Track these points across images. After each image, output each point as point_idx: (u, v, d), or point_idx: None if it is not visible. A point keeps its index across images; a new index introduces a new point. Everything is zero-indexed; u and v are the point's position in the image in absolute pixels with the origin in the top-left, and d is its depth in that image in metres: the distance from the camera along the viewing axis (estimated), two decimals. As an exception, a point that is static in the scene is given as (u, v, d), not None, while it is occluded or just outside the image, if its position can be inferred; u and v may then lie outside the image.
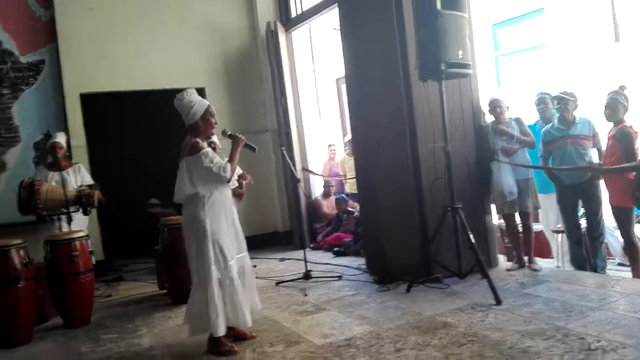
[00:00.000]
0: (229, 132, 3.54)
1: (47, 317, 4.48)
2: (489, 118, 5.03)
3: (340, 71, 8.17)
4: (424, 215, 4.61)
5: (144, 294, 5.28)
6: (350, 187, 7.57)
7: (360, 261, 5.51)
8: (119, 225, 7.21)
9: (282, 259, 6.21)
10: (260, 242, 6.79)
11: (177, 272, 4.67)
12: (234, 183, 3.53)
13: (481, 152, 4.88)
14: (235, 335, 3.52)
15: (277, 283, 5.05)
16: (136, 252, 7.24)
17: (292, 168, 5.73)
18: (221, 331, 3.25)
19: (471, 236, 4.08)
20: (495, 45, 8.15)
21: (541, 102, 5.03)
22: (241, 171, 3.67)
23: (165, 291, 5.05)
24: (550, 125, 4.84)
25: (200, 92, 7.14)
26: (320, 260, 5.82)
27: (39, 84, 6.13)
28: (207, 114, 3.40)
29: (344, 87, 8.27)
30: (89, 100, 6.45)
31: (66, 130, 6.01)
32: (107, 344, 3.80)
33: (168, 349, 3.55)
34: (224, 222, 3.37)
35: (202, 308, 3.29)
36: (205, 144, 3.40)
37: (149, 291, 5.34)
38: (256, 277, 5.36)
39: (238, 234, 3.51)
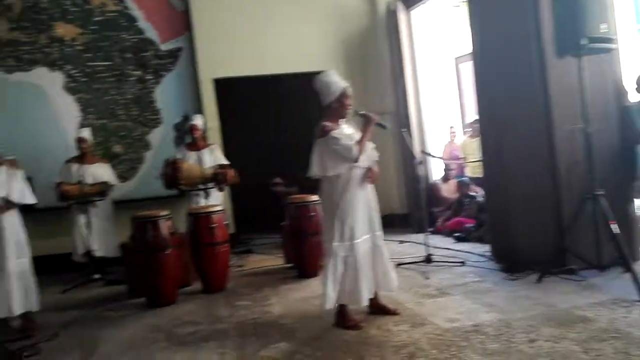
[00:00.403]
0: (362, 112, 3.60)
1: (189, 282, 4.93)
2: (634, 97, 4.57)
3: (460, 50, 7.91)
4: (559, 202, 4.33)
5: (272, 266, 5.61)
6: (472, 170, 7.33)
7: (483, 248, 5.34)
8: (247, 202, 7.69)
9: (401, 242, 6.22)
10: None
11: (303, 247, 4.91)
12: (368, 161, 3.54)
13: (626, 134, 4.46)
14: (377, 307, 3.62)
15: (398, 264, 5.08)
16: (262, 227, 7.68)
17: (412, 150, 5.70)
18: (329, 305, 3.40)
19: (614, 226, 3.78)
20: (638, 17, 7.35)
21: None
22: (376, 153, 3.66)
23: (291, 265, 5.32)
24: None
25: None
26: (441, 244, 5.74)
27: (177, 70, 6.67)
28: (342, 96, 3.49)
29: (463, 67, 8.03)
30: (221, 85, 6.91)
31: (201, 113, 6.49)
32: (241, 310, 4.11)
33: (297, 319, 3.74)
34: (357, 201, 3.46)
35: (330, 282, 3.45)
36: (336, 126, 3.49)
37: (275, 264, 5.65)
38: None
39: (372, 213, 3.58)
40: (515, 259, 4.55)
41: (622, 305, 3.41)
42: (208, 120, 6.48)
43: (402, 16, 7.04)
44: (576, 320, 3.23)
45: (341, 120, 3.57)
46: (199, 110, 6.60)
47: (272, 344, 3.29)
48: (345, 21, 7.30)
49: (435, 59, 8.30)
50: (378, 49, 7.35)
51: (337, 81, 3.54)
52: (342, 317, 3.49)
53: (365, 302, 3.49)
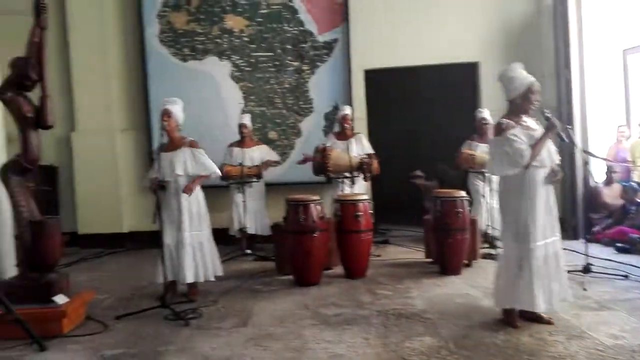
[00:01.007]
0: (548, 114, 3.45)
1: (331, 265, 5.13)
2: None
3: (630, 41, 7.07)
4: None
5: (411, 259, 5.60)
6: (640, 175, 6.58)
7: (651, 261, 4.82)
8: (386, 193, 7.74)
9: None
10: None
11: (447, 243, 4.83)
12: (550, 162, 3.38)
13: None
14: (532, 314, 3.46)
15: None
16: (399, 219, 7.70)
17: (575, 149, 5.27)
18: (500, 305, 3.43)
19: None
20: None
21: None
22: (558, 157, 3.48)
23: (431, 260, 5.27)
24: None
25: (474, 66, 7.15)
26: (600, 254, 5.24)
27: (331, 61, 6.89)
28: (528, 91, 3.38)
29: (631, 59, 7.17)
30: (371, 76, 7.01)
31: (350, 103, 6.64)
32: (383, 299, 4.18)
33: (441, 315, 3.71)
34: (536, 203, 3.33)
35: (501, 282, 3.43)
36: (516, 123, 3.35)
37: (415, 257, 5.64)
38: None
39: (552, 218, 3.42)
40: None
41: None
42: (356, 110, 6.61)
43: (572, 4, 6.49)
44: None
45: (525, 116, 3.43)
46: (349, 100, 6.76)
47: (416, 336, 3.31)
48: (505, 8, 6.94)
49: (602, 51, 7.55)
50: (541, 38, 6.87)
51: (522, 76, 3.43)
52: (508, 315, 3.45)
53: (541, 309, 3.33)
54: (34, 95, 3.78)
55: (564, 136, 3.52)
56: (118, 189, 6.89)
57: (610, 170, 6.61)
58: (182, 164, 4.29)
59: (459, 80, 7.68)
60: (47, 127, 3.73)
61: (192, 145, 4.40)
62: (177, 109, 4.39)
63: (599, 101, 7.14)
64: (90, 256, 6.32)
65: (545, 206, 3.36)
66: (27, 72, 3.63)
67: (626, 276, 4.50)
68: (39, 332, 3.33)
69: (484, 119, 6.10)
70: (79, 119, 6.96)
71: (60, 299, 3.62)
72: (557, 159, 3.44)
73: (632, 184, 6.33)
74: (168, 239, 4.17)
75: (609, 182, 6.58)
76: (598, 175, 6.84)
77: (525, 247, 3.30)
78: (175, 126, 4.38)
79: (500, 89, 7.03)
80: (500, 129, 3.37)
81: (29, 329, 3.29)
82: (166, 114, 4.33)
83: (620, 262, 4.98)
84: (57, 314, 3.52)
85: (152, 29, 6.90)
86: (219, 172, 4.53)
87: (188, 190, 4.26)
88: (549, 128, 3.36)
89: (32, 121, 3.67)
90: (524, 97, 3.37)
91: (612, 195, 6.47)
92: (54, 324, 3.50)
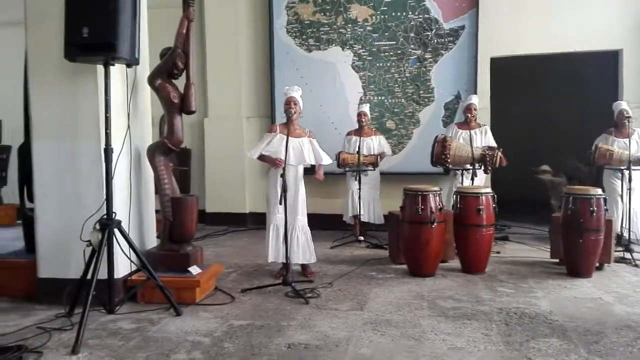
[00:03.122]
0: None
1: (447, 258, 5.03)
2: None
3: None
4: None
5: (532, 258, 5.32)
6: None
7: None
8: (506, 187, 7.40)
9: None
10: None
11: (578, 244, 4.51)
12: None
13: None
14: None
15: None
16: (519, 215, 7.32)
17: None
18: None
19: None
20: None
21: None
22: None
23: (557, 260, 4.96)
24: None
25: (615, 55, 6.54)
26: None
27: (456, 49, 6.69)
28: None
29: None
30: (497, 63, 6.70)
31: (475, 92, 6.42)
32: (504, 297, 4.02)
33: (569, 318, 3.49)
34: None
35: None
36: None
37: (537, 257, 5.35)
38: None
39: None
40: None
41: None
42: (480, 100, 6.37)
43: None
44: None
45: None
46: (473, 90, 6.53)
47: (542, 337, 3.16)
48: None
49: None
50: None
51: None
52: None
53: None
54: (179, 83, 4.14)
55: None
56: (243, 172, 7.33)
57: None
58: (308, 152, 4.48)
59: (597, 70, 7.10)
60: (191, 112, 4.07)
61: (311, 135, 4.61)
62: (299, 97, 4.57)
63: None
64: (216, 233, 6.82)
65: None
66: (175, 61, 3.98)
67: None
68: (175, 299, 3.67)
69: (624, 111, 5.58)
70: (211, 106, 7.49)
71: (195, 270, 3.96)
72: None
73: None
74: (287, 220, 4.33)
75: None
76: None
77: None
78: (299, 113, 4.56)
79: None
80: None
81: (168, 295, 3.64)
82: (293, 101, 4.52)
83: None
84: (192, 283, 3.85)
85: (280, 20, 7.19)
86: (330, 161, 4.73)
87: (320, 177, 4.55)
88: None
89: (178, 107, 4.03)
90: None
91: None
92: (188, 292, 3.83)
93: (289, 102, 4.53)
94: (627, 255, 5.08)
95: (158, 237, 4.34)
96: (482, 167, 5.46)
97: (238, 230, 6.98)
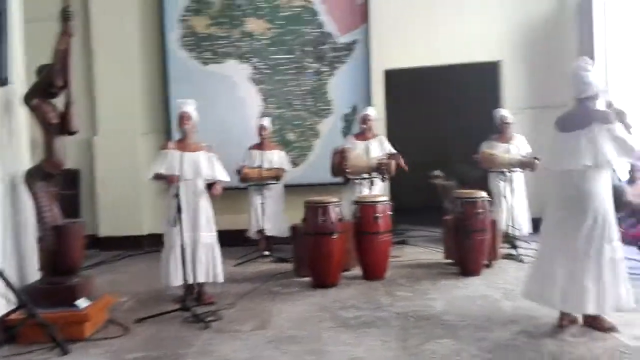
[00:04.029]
0: (616, 107, 3.39)
1: (349, 267, 5.12)
2: None
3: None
4: None
5: (429, 260, 5.57)
6: (667, 174, 6.41)
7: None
8: (404, 193, 7.70)
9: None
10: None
11: (467, 244, 4.78)
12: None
13: None
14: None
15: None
16: (417, 219, 7.65)
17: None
18: (590, 310, 3.22)
19: None
20: None
21: None
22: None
23: (451, 261, 5.22)
24: None
25: (495, 65, 7.06)
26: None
27: (351, 62, 6.88)
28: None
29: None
30: (391, 76, 6.98)
31: (370, 104, 6.63)
32: (402, 300, 4.16)
33: (461, 317, 3.67)
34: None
35: (570, 283, 3.25)
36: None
37: (433, 258, 5.60)
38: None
39: None
40: None
41: None
42: (375, 111, 6.58)
43: (597, 1, 6.39)
44: None
45: None
46: (368, 101, 6.74)
47: (436, 339, 3.29)
48: (528, 8, 6.87)
49: (628, 47, 7.39)
50: (565, 36, 6.77)
51: (596, 72, 3.42)
52: (595, 319, 3.29)
53: (632, 305, 3.25)
54: (59, 100, 3.85)
55: (628, 124, 3.37)
56: (138, 192, 6.97)
57: (634, 169, 6.46)
58: (205, 166, 4.35)
59: (480, 80, 7.61)
60: (72, 133, 3.81)
61: (209, 150, 4.48)
62: (194, 110, 4.45)
63: (624, 98, 7.00)
64: (110, 258, 6.43)
65: None
66: (53, 79, 3.70)
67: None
68: (62, 336, 3.38)
69: (503, 117, 6.04)
70: (101, 123, 7.08)
71: (83, 303, 3.68)
72: None
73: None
74: (185, 240, 4.18)
75: (632, 180, 6.43)
76: (622, 173, 6.70)
77: (613, 246, 3.24)
78: (194, 127, 4.43)
79: (521, 88, 7.05)
80: (608, 119, 3.23)
81: (52, 333, 3.35)
82: (186, 116, 4.39)
83: (646, 263, 4.88)
84: (79, 318, 3.57)
85: (174, 34, 6.99)
86: (228, 179, 4.58)
87: (217, 192, 4.37)
88: (621, 117, 3.27)
89: (56, 127, 3.74)
90: (599, 91, 3.35)
91: (635, 194, 6.31)
92: (76, 328, 3.55)
93: (182, 117, 4.39)
94: (513, 252, 5.47)
95: (40, 269, 3.99)
96: (379, 176, 5.64)
97: (135, 255, 6.61)
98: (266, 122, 6.26)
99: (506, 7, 6.87)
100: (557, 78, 6.82)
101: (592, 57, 6.34)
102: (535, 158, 5.55)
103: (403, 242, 6.58)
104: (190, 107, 4.46)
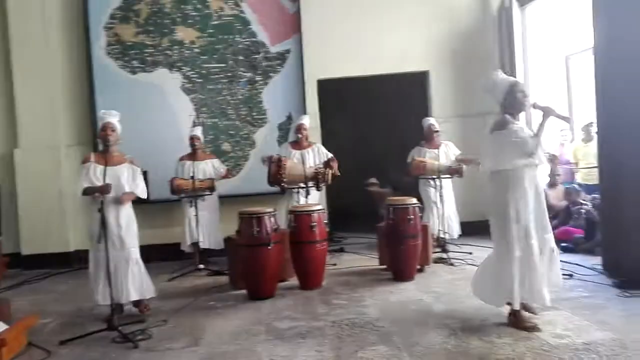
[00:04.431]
0: (539, 104, 3.55)
1: (286, 277, 5.09)
2: None
3: (571, 47, 7.40)
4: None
5: (365, 266, 5.63)
6: (583, 177, 6.87)
7: (593, 260, 5.02)
8: (341, 201, 7.78)
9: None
10: (474, 229, 6.63)
11: (400, 250, 4.89)
12: (540, 160, 3.49)
13: None
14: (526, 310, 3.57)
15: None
16: (354, 226, 7.74)
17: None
18: (516, 306, 3.40)
19: None
20: None
21: None
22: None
23: (385, 267, 5.31)
24: None
25: (424, 75, 7.30)
26: (546, 254, 5.42)
27: (284, 71, 6.89)
28: (512, 90, 3.53)
29: (573, 64, 7.51)
30: (324, 86, 7.04)
31: (305, 112, 6.66)
32: (338, 309, 4.18)
33: (394, 323, 3.74)
34: (531, 200, 3.44)
35: (496, 281, 3.47)
36: (515, 120, 3.50)
37: (369, 265, 5.67)
38: (474, 265, 5.34)
39: (543, 214, 3.52)
40: (631, 275, 4.22)
41: None
42: (311, 120, 6.62)
43: (516, 13, 6.76)
44: None
45: (518, 115, 3.60)
46: (302, 110, 6.77)
47: (370, 346, 3.32)
48: (453, 20, 7.16)
49: (545, 57, 7.87)
50: (486, 48, 7.11)
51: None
52: (517, 319, 3.47)
53: (548, 302, 3.42)
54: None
55: (564, 116, 3.67)
56: (63, 207, 6.63)
57: (554, 173, 6.86)
58: (127, 180, 4.18)
59: (410, 89, 7.84)
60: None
61: (132, 162, 4.31)
62: (117, 122, 4.28)
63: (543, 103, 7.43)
64: (34, 278, 6.05)
65: (539, 204, 3.48)
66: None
67: (570, 275, 4.67)
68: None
69: (431, 125, 6.24)
70: (22, 135, 6.68)
71: (-1, 327, 3.44)
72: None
73: (575, 185, 6.58)
74: (112, 256, 4.01)
75: (553, 184, 6.82)
76: (543, 178, 7.10)
77: (525, 245, 3.40)
78: (117, 139, 4.26)
79: (447, 97, 7.32)
80: (503, 124, 3.46)
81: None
82: (110, 127, 4.21)
83: (565, 262, 5.13)
84: (-5, 343, 3.34)
85: (99, 42, 6.73)
86: (144, 196, 4.36)
87: (124, 200, 4.12)
88: (544, 115, 3.45)
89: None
90: (510, 96, 3.51)
91: (556, 197, 6.71)
92: (-9, 354, 3.32)
93: (106, 128, 4.22)
94: (444, 256, 5.64)
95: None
96: (316, 185, 5.66)
97: (61, 273, 6.27)
98: (198, 131, 6.14)
99: (432, 19, 7.13)
100: (477, 87, 7.16)
101: (512, 66, 6.74)
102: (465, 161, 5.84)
103: (341, 250, 6.64)
104: (113, 119, 4.28)
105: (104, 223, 3.81)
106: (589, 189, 6.36)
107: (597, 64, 4.74)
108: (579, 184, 6.74)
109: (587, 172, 6.63)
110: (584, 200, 6.19)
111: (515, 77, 6.68)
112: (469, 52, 7.14)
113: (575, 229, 6.02)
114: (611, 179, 4.63)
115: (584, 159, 6.72)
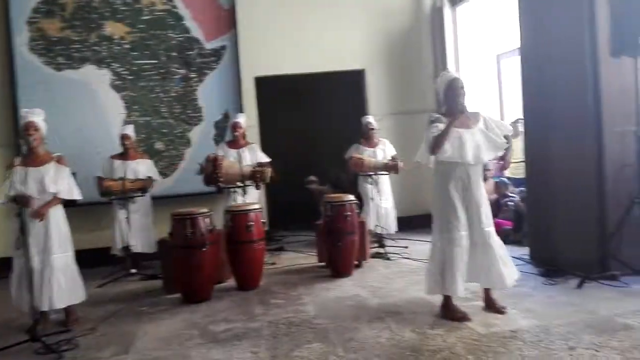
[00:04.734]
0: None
1: (223, 279, 4.99)
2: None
3: (502, 46, 7.71)
4: (605, 206, 4.17)
5: (304, 264, 5.62)
6: (511, 171, 7.14)
7: (521, 251, 5.22)
8: (281, 199, 7.73)
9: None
10: (410, 224, 6.79)
11: (337, 247, 4.90)
12: (456, 158, 3.54)
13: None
14: (487, 303, 3.70)
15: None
16: (295, 224, 7.72)
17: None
18: (452, 293, 3.54)
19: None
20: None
21: None
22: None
23: (324, 264, 5.32)
24: None
25: (360, 74, 7.37)
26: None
27: (220, 69, 6.75)
28: (447, 89, 3.60)
29: (504, 64, 7.83)
30: (262, 83, 6.96)
31: (241, 111, 6.56)
32: (275, 308, 4.13)
33: (331, 320, 3.73)
34: (453, 192, 3.54)
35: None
36: (444, 119, 3.54)
37: (308, 262, 5.66)
38: (409, 259, 5.46)
39: (476, 209, 3.57)
40: (556, 263, 4.45)
41: (670, 316, 3.27)
42: (248, 118, 6.53)
43: (447, 13, 6.95)
44: (618, 328, 3.13)
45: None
46: (239, 108, 6.67)
47: (306, 344, 3.30)
48: (388, 19, 7.26)
49: (477, 56, 8.15)
50: (419, 47, 7.28)
51: (444, 77, 3.69)
52: (448, 310, 3.58)
53: (460, 293, 3.53)
54: None
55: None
56: (-15, 212, 6.21)
57: (485, 168, 7.08)
58: (51, 180, 3.94)
59: (348, 87, 7.89)
60: None
61: (60, 161, 4.06)
62: (41, 120, 4.04)
63: (475, 104, 7.67)
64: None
65: (469, 198, 3.56)
66: None
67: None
68: None
69: (369, 123, 6.31)
70: None
71: None
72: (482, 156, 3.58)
73: (504, 179, 6.84)
74: (34, 263, 3.78)
75: (484, 178, 7.02)
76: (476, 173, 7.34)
77: (447, 237, 3.54)
78: (42, 139, 4.02)
79: (383, 96, 7.43)
80: (429, 122, 3.59)
81: None
82: (32, 127, 3.96)
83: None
84: None
85: (21, 37, 6.34)
86: (80, 198, 4.16)
87: (39, 215, 3.86)
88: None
89: None
90: (445, 94, 3.61)
91: (487, 191, 6.92)
92: None
93: (28, 128, 3.96)
94: (381, 250, 5.72)
95: None
96: (254, 184, 5.59)
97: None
98: (129, 130, 5.90)
99: (368, 18, 7.21)
100: (415, 86, 7.33)
101: (445, 65, 6.93)
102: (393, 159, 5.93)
103: (281, 249, 6.59)
104: (37, 117, 4.03)
105: (22, 228, 3.58)
106: (517, 182, 6.62)
107: (523, 64, 4.95)
108: (508, 178, 7.01)
109: (515, 167, 6.90)
110: (512, 193, 6.45)
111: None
112: (404, 51, 7.28)
113: (504, 221, 6.26)
114: (537, 173, 4.85)
115: (513, 154, 6.98)
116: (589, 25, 4.17)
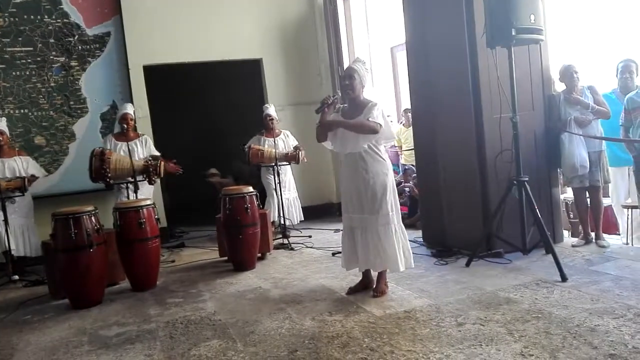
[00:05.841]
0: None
1: (116, 280, 4.71)
2: (559, 87, 4.78)
3: (396, 39, 7.99)
4: (487, 188, 4.47)
5: (206, 260, 5.47)
6: (406, 159, 7.46)
7: (415, 234, 5.46)
8: (180, 194, 7.46)
9: (336, 230, 6.23)
10: (315, 213, 6.87)
11: (238, 240, 4.81)
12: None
13: (551, 122, 4.66)
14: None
15: (334, 254, 5.09)
16: (196, 219, 7.49)
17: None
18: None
19: (537, 210, 3.94)
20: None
21: (626, 70, 4.65)
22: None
23: (225, 258, 5.20)
24: (635, 92, 4.46)
25: (257, 63, 7.27)
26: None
27: (104, 57, 6.32)
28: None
29: (399, 56, 8.13)
30: (151, 72, 6.62)
31: (131, 101, 6.19)
32: (172, 307, 3.96)
33: (231, 314, 3.65)
34: (344, 178, 3.82)
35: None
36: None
37: (210, 258, 5.52)
38: (312, 248, 5.50)
39: (359, 196, 3.68)
40: (446, 244, 4.70)
41: (544, 286, 3.58)
42: (137, 108, 6.19)
43: (340, 4, 7.04)
44: (501, 302, 3.35)
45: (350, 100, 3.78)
46: (129, 98, 6.29)
47: (204, 341, 3.19)
48: (280, 9, 7.21)
49: (372, 48, 8.36)
50: (315, 38, 7.31)
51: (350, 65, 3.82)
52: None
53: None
54: None
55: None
56: None
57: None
58: None
59: (245, 77, 7.76)
60: None
61: None
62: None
63: (372, 94, 7.88)
64: None
65: (353, 185, 3.71)
66: None
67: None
68: None
69: (269, 115, 6.24)
70: None
71: None
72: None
73: (408, 166, 7.09)
74: None
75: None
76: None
77: (345, 216, 3.81)
78: None
79: (280, 86, 7.38)
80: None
81: None
82: None
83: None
84: None
85: None
86: None
87: None
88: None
89: None
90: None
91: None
92: None
93: None
94: (285, 241, 5.71)
95: None
96: (147, 179, 5.31)
97: None
98: (2, 124, 5.34)
99: (262, 6, 7.11)
100: (310, 76, 7.37)
101: (340, 57, 7.03)
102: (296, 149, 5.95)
103: (182, 245, 6.36)
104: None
105: None
106: (412, 169, 6.92)
107: (409, 57, 5.15)
108: (404, 165, 7.31)
109: (409, 154, 7.21)
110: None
111: (342, 66, 7.01)
112: (299, 42, 7.29)
113: (402, 207, 6.51)
114: (425, 160, 5.08)
115: (406, 142, 7.29)
116: (467, 17, 4.41)
